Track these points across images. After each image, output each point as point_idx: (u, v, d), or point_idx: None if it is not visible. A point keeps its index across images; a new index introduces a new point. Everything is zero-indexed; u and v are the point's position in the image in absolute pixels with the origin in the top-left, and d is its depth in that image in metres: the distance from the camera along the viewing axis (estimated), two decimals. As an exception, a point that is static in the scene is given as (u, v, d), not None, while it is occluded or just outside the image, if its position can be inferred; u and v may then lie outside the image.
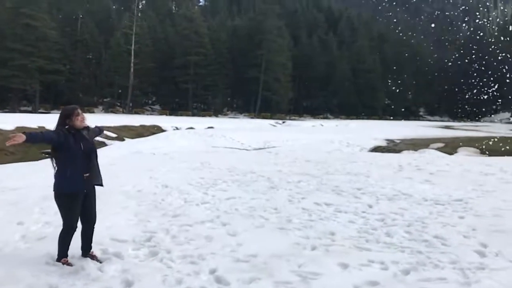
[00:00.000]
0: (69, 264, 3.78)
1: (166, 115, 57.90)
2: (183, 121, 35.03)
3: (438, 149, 17.89)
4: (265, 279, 3.57)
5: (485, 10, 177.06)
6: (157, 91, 67.14)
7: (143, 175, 9.01)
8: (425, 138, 25.43)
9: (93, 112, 52.57)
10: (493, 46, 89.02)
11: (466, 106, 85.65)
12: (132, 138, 22.60)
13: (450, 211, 5.93)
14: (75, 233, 3.85)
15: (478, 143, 19.07)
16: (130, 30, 59.14)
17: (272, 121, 48.27)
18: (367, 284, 3.49)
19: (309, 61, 73.74)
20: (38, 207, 5.83)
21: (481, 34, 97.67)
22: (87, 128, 3.92)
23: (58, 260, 3.83)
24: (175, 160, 12.12)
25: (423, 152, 16.57)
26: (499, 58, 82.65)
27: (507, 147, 17.06)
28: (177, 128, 29.48)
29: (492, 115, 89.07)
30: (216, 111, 67.08)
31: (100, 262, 3.91)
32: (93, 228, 4.00)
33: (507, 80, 77.56)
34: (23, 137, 3.27)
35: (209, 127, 31.75)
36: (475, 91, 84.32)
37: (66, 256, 3.84)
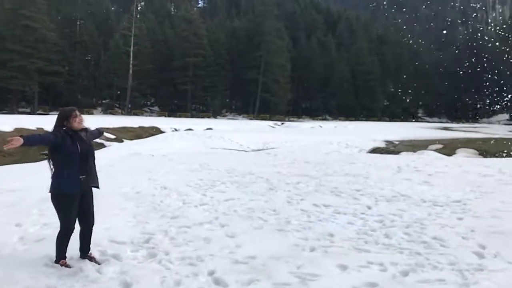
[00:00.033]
0: (67, 266, 3.77)
1: (165, 116, 57.91)
2: (182, 123, 35.04)
3: (437, 150, 17.91)
4: (264, 280, 3.57)
5: (483, 11, 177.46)
6: (156, 93, 67.18)
7: (141, 176, 9.00)
8: (423, 140, 25.47)
9: (92, 113, 52.55)
10: (491, 48, 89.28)
11: (465, 108, 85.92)
12: (131, 139, 22.58)
13: (449, 212, 5.93)
14: (74, 234, 3.85)
15: (480, 144, 19.07)
16: (129, 31, 59.15)
17: (271, 123, 48.31)
18: (366, 286, 3.48)
19: (308, 62, 73.85)
20: (37, 209, 5.81)
21: (479, 35, 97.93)
22: (85, 129, 3.90)
23: (56, 262, 3.82)
24: (173, 161, 12.11)
25: (422, 154, 16.59)
26: (497, 59, 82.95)
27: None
28: (175, 130, 29.48)
29: (491, 117, 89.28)
30: (215, 113, 67.08)
31: (99, 264, 3.90)
32: (92, 229, 4.00)
33: (505, 82, 77.81)
34: (21, 141, 3.26)
35: (208, 129, 31.77)
36: (473, 92, 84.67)
37: (64, 257, 3.83)
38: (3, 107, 50.21)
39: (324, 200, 6.69)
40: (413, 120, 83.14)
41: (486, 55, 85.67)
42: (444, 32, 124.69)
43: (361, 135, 26.92)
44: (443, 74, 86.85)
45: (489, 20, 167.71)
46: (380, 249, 4.38)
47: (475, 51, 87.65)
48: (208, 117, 62.08)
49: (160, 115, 60.16)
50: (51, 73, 51.29)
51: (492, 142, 19.32)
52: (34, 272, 3.62)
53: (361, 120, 72.10)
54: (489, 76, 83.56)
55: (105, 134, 20.19)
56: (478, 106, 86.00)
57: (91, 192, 3.98)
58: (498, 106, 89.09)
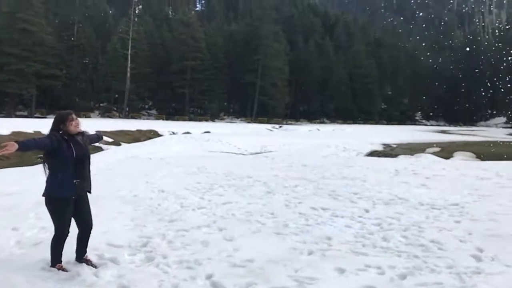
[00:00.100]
0: (64, 270, 3.75)
1: (163, 119, 57.84)
2: (180, 126, 35.03)
3: (434, 153, 17.94)
4: (262, 284, 3.57)
5: (480, 15, 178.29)
6: (153, 96, 67.12)
7: (139, 180, 8.98)
8: (421, 143, 25.52)
9: (89, 117, 52.46)
10: (488, 51, 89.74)
11: (462, 111, 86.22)
12: (129, 142, 22.56)
13: (446, 215, 5.94)
14: (70, 238, 3.83)
15: (477, 148, 19.11)
16: (127, 35, 59.13)
17: (268, 126, 48.35)
18: (363, 289, 3.48)
19: (305, 65, 73.99)
20: (33, 213, 5.79)
21: (476, 38, 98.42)
22: (82, 133, 3.88)
23: (52, 266, 3.80)
24: (171, 165, 12.10)
25: (419, 157, 16.63)
26: (494, 62, 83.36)
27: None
28: (173, 133, 29.46)
29: (488, 120, 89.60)
30: (213, 116, 67.07)
31: (95, 267, 3.89)
32: (90, 232, 3.98)
33: (502, 85, 78.14)
34: (15, 146, 3.25)
35: (205, 132, 31.75)
36: (470, 95, 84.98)
37: (60, 261, 3.82)
38: (1, 110, 50.11)
39: (322, 204, 6.69)
40: (411, 123, 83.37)
41: (483, 58, 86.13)
42: (441, 35, 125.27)
43: (358, 138, 26.96)
44: (440, 77, 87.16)
45: (486, 24, 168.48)
46: (378, 252, 4.38)
47: (472, 54, 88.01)
48: (206, 120, 62.07)
49: (158, 119, 60.09)
50: (48, 77, 51.23)
51: (492, 150, 19.31)
52: (31, 276, 3.61)
53: (359, 123, 72.27)
54: (486, 79, 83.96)
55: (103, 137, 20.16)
56: (476, 109, 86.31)
57: (87, 196, 3.96)
58: (495, 109, 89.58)
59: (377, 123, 75.24)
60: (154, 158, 14.21)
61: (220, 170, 10.58)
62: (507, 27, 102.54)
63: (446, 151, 19.03)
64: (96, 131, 4.41)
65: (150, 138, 25.64)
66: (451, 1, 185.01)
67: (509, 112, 79.17)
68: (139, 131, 27.21)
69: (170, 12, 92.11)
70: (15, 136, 17.16)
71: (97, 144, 17.96)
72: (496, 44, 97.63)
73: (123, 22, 62.19)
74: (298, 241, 4.77)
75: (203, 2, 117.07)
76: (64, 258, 3.85)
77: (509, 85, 74.66)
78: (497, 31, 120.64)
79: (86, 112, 54.76)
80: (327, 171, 10.59)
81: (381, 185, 8.53)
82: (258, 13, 69.95)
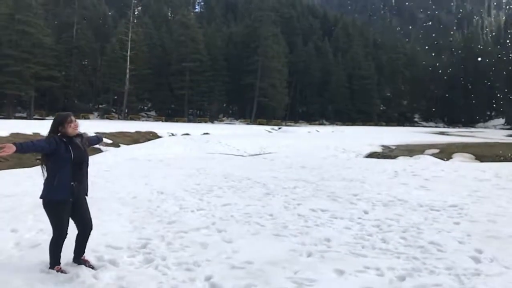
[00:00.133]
0: (63, 272, 3.75)
1: (162, 121, 57.85)
2: (179, 127, 34.99)
3: (433, 155, 17.97)
4: (261, 286, 3.56)
5: (479, 16, 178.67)
6: (152, 97, 67.14)
7: (138, 181, 8.98)
8: (420, 144, 25.56)
9: (88, 118, 52.44)
10: (486, 52, 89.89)
11: (461, 112, 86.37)
12: (128, 144, 22.53)
13: (445, 217, 5.94)
14: (69, 241, 3.82)
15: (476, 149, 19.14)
16: (126, 36, 59.18)
17: (268, 127, 48.32)
18: (363, 291, 3.48)
19: (304, 67, 74.14)
20: (32, 214, 5.77)
21: (475, 40, 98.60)
22: (81, 135, 3.87)
23: (51, 268, 3.79)
24: (170, 166, 12.09)
25: (418, 158, 16.63)
26: (493, 64, 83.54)
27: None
28: (172, 134, 29.44)
29: (486, 121, 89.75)
30: (212, 117, 67.12)
31: (93, 268, 3.89)
32: (90, 234, 3.97)
33: (501, 86, 78.27)
34: (13, 148, 3.24)
35: (205, 133, 31.74)
36: (469, 97, 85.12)
37: (59, 263, 3.81)
38: (-1, 112, 50.14)
39: (321, 205, 6.69)
40: (410, 124, 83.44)
41: (482, 60, 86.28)
42: (440, 37, 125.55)
43: (357, 140, 26.98)
44: (439, 78, 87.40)
45: (485, 25, 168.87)
46: (377, 254, 4.38)
47: (471, 55, 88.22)
48: (205, 122, 62.11)
49: (157, 120, 60.11)
50: (47, 78, 51.25)
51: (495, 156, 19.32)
52: (30, 278, 3.60)
53: (358, 124, 72.34)
54: (485, 81, 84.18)
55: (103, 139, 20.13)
56: (474, 110, 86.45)
57: (85, 198, 3.95)
58: (494, 111, 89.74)
59: (376, 124, 75.32)
60: (153, 160, 14.20)
61: (219, 172, 10.58)
62: (505, 28, 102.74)
63: (445, 152, 19.08)
64: (96, 133, 4.40)
65: (149, 139, 25.61)
66: (451, 4, 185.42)
67: (508, 114, 79.37)
68: (138, 132, 27.17)
69: (169, 13, 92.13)
70: (14, 137, 17.14)
71: (96, 145, 17.93)
72: (495, 45, 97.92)
73: (122, 23, 62.26)
74: (297, 242, 4.77)
75: (202, 3, 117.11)
76: (63, 260, 3.85)
77: (508, 87, 74.88)
78: (495, 32, 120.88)
79: (85, 113, 54.80)
80: (326, 173, 10.60)
81: (380, 186, 8.53)
82: (257, 15, 70.03)
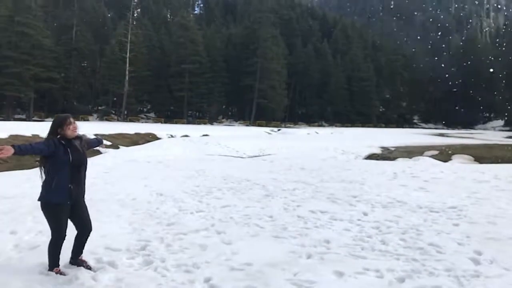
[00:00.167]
0: (62, 273, 3.74)
1: (161, 123, 57.87)
2: (178, 129, 34.96)
3: (433, 156, 17.96)
4: (260, 287, 3.56)
5: (478, 18, 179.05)
6: (152, 99, 67.19)
7: (137, 183, 8.97)
8: (419, 146, 25.57)
9: (87, 120, 52.45)
10: (485, 54, 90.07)
11: (460, 114, 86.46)
12: (127, 146, 22.49)
13: (445, 218, 5.94)
14: (68, 243, 3.81)
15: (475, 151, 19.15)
16: (125, 38, 59.24)
17: (267, 129, 48.32)
18: (362, 292, 3.48)
19: (304, 69, 74.22)
20: (31, 216, 5.77)
21: (475, 41, 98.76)
22: (80, 137, 3.85)
23: (50, 270, 3.79)
24: (169, 168, 12.09)
25: (418, 160, 16.63)
26: (492, 65, 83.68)
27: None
28: (172, 136, 29.42)
29: (486, 123, 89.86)
30: (211, 119, 67.14)
31: (91, 268, 3.89)
32: (88, 235, 3.97)
33: (500, 88, 78.41)
34: (12, 150, 3.23)
35: (204, 135, 31.74)
36: (468, 98, 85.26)
37: (58, 265, 3.80)
38: (-2, 113, 50.13)
39: (320, 207, 6.69)
40: (409, 126, 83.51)
41: (481, 61, 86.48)
42: (439, 38, 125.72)
43: (357, 141, 26.98)
44: (438, 80, 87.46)
45: (484, 27, 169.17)
46: (376, 255, 4.38)
47: (470, 57, 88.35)
48: (205, 123, 62.12)
49: (156, 122, 60.12)
50: (46, 80, 51.29)
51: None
52: (29, 280, 3.59)
53: (357, 126, 72.38)
54: (484, 82, 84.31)
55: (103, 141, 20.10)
56: (474, 112, 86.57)
57: (83, 200, 3.93)
58: (493, 113, 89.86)
59: (375, 126, 75.38)
60: (153, 161, 14.19)
61: (219, 173, 10.57)
62: (504, 30, 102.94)
63: (444, 154, 19.08)
64: (96, 136, 4.39)
65: (148, 141, 25.58)
66: (450, 6, 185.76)
67: (507, 115, 79.47)
68: (137, 134, 27.13)
69: (168, 15, 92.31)
70: (13, 139, 17.11)
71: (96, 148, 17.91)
72: (494, 47, 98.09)
73: (121, 25, 62.33)
74: (297, 244, 4.76)
75: (201, 5, 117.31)
76: (62, 262, 3.84)
77: (507, 88, 75.01)
78: (494, 34, 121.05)
79: (84, 115, 54.81)
80: (325, 174, 10.60)
81: (380, 188, 8.53)
82: (256, 16, 70.15)
